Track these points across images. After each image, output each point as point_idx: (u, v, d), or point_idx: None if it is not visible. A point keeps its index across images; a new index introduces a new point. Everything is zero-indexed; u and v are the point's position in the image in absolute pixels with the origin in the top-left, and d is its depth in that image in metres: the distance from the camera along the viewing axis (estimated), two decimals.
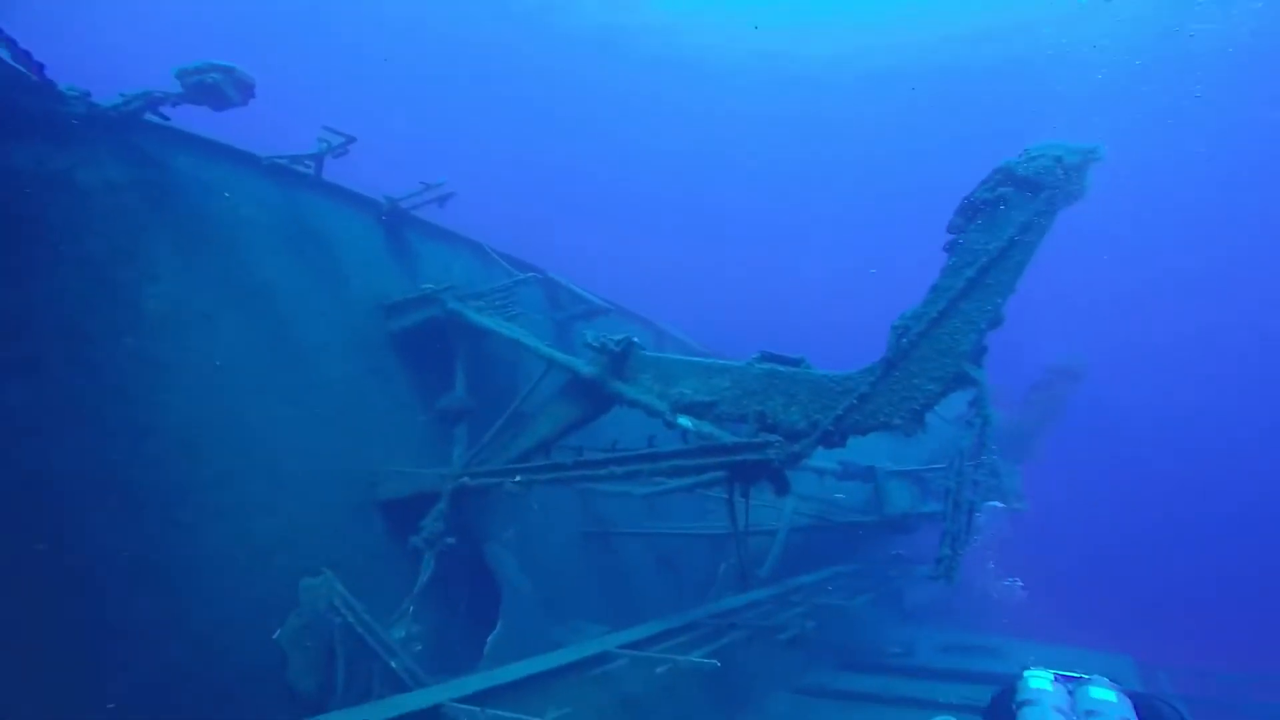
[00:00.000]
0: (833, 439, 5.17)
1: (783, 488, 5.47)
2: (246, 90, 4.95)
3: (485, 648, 5.51)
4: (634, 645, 5.50)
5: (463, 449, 6.29)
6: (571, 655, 4.98)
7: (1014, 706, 3.76)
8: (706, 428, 5.41)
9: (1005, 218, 4.77)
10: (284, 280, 5.84)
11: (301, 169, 6.20)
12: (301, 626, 4.76)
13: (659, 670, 5.13)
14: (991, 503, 10.49)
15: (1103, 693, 3.68)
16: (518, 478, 5.45)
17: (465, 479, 5.69)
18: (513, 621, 5.64)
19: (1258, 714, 9.08)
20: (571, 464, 5.37)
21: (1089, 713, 3.58)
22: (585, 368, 5.59)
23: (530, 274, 7.50)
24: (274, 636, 4.66)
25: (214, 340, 5.10)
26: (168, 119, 5.04)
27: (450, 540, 5.62)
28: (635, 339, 5.65)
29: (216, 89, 4.78)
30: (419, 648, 5.10)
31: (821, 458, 8.57)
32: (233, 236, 5.53)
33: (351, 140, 6.04)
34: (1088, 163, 4.81)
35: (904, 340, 4.88)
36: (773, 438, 5.24)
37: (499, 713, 3.67)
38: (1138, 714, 3.59)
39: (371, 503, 5.91)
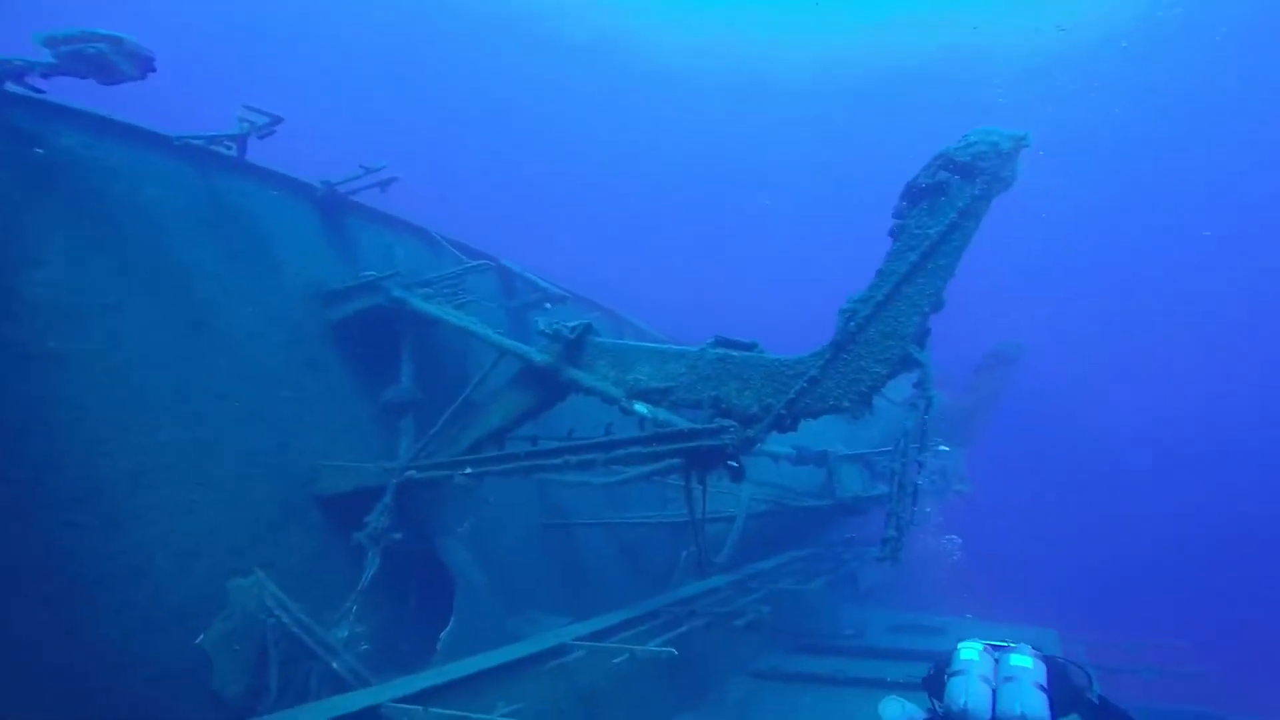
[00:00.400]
0: (785, 423, 5.09)
1: (738, 474, 5.34)
2: (142, 63, 4.47)
3: (438, 644, 5.20)
4: (592, 636, 5.29)
5: (409, 441, 5.95)
6: (526, 649, 4.72)
7: (946, 677, 3.89)
8: (663, 414, 5.24)
9: (946, 203, 4.77)
10: (204, 267, 5.40)
11: (222, 150, 5.74)
12: (229, 630, 4.39)
13: (617, 661, 4.91)
14: (941, 447, 10.57)
15: (1021, 659, 3.85)
16: (468, 470, 5.16)
17: (412, 472, 5.37)
18: (467, 617, 5.34)
19: (1151, 673, 9.43)
20: (525, 454, 5.11)
21: (1007, 678, 3.75)
22: (539, 355, 5.33)
23: (481, 261, 7.17)
24: (197, 641, 4.28)
25: (120, 330, 4.66)
26: (41, 91, 4.53)
27: (397, 536, 5.29)
28: (591, 325, 5.42)
29: (102, 60, 4.29)
30: (365, 647, 4.77)
31: (776, 443, 8.49)
32: (140, 221, 5.07)
33: (277, 120, 5.62)
34: (1018, 149, 4.82)
35: (851, 324, 4.85)
36: (728, 423, 5.13)
37: (443, 711, 3.41)
38: (1049, 676, 3.81)
39: (310, 499, 5.53)
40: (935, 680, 3.98)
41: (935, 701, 3.92)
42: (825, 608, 9.39)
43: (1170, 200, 40.44)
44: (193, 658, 4.31)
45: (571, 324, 5.27)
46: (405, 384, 6.14)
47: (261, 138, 5.67)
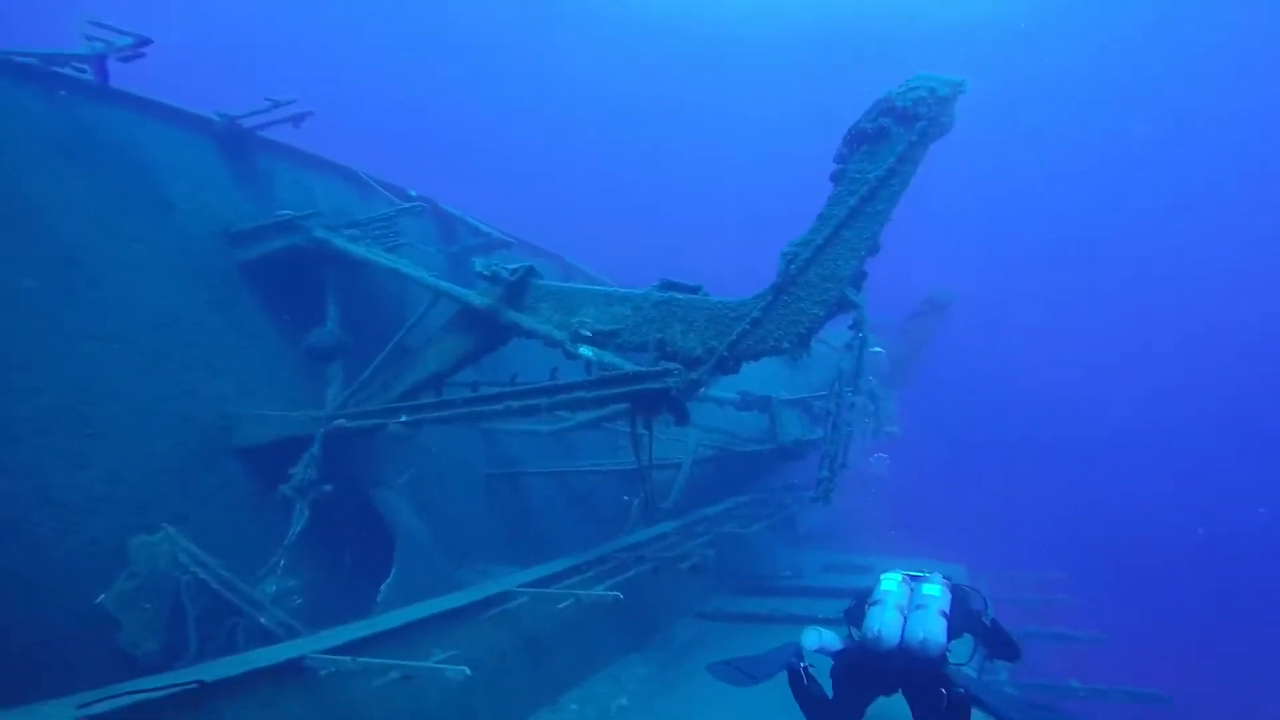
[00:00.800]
0: (728, 365, 4.99)
1: (683, 417, 5.19)
2: None
3: (378, 598, 4.92)
4: (538, 583, 5.11)
5: (338, 388, 5.53)
6: (466, 597, 4.51)
7: (866, 607, 4.14)
8: (608, 357, 5.01)
9: (885, 148, 4.77)
10: (67, 201, 4.80)
11: (71, 73, 5.04)
12: (136, 588, 4.00)
13: (561, 606, 4.75)
14: (871, 380, 10.72)
15: (931, 588, 4.12)
16: (403, 417, 4.81)
17: (341, 421, 4.99)
18: (409, 569, 5.06)
19: (1032, 601, 9.98)
20: (464, 401, 4.79)
21: (918, 606, 4.01)
22: (478, 298, 4.99)
23: (415, 203, 6.66)
24: (98, 600, 3.89)
25: None
26: None
27: (327, 488, 4.92)
28: (534, 267, 5.09)
29: None
30: (299, 601, 4.45)
31: (722, 388, 8.39)
32: None
33: (145, 42, 4.95)
34: (956, 94, 4.83)
35: (792, 267, 4.82)
36: (673, 366, 4.97)
37: (373, 660, 3.17)
38: (953, 603, 4.13)
39: (227, 450, 5.08)
40: (857, 610, 4.23)
41: (854, 629, 4.17)
42: (766, 551, 9.49)
43: (1102, 151, 41.73)
44: (86, 620, 3.89)
45: (512, 265, 4.93)
46: (330, 328, 5.68)
47: (125, 60, 4.97)
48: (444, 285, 5.17)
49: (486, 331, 5.04)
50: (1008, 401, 37.08)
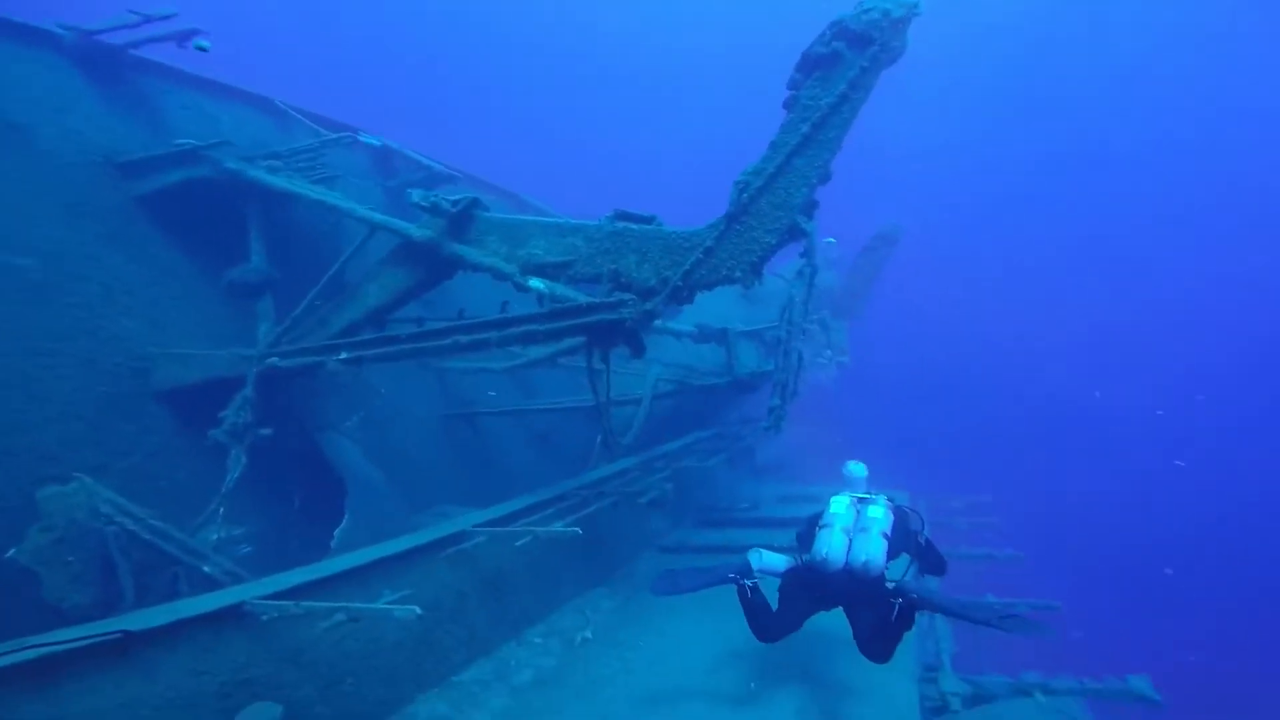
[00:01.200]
0: (682, 295, 4.83)
1: (639, 349, 5.02)
2: None
3: (332, 543, 4.69)
4: (495, 522, 4.95)
5: (270, 326, 5.16)
6: (419, 539, 4.35)
7: (816, 529, 4.26)
8: (560, 289, 4.77)
9: (837, 73, 4.62)
10: None
11: None
12: (55, 540, 3.69)
13: (519, 544, 4.61)
14: (823, 311, 10.76)
15: (875, 511, 4.28)
16: (343, 354, 4.48)
17: (275, 359, 4.62)
18: (362, 513, 4.83)
19: (963, 523, 10.42)
20: (408, 336, 4.48)
21: (861, 529, 4.17)
22: (418, 231, 4.63)
23: (344, 134, 6.11)
24: (8, 555, 3.57)
25: None
26: None
27: (265, 432, 4.60)
28: (478, 199, 4.73)
29: None
30: (248, 549, 4.21)
31: (680, 321, 8.23)
32: None
33: None
34: (911, 17, 4.67)
35: (744, 195, 4.68)
36: (627, 296, 4.76)
37: (318, 603, 2.98)
38: (894, 524, 4.28)
39: (145, 394, 4.68)
40: (807, 533, 4.36)
41: (804, 551, 4.29)
42: (725, 483, 9.55)
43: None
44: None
45: (454, 197, 4.56)
46: (256, 262, 5.22)
47: None
48: (380, 218, 4.77)
49: (429, 265, 4.70)
50: (951, 338, 38.12)
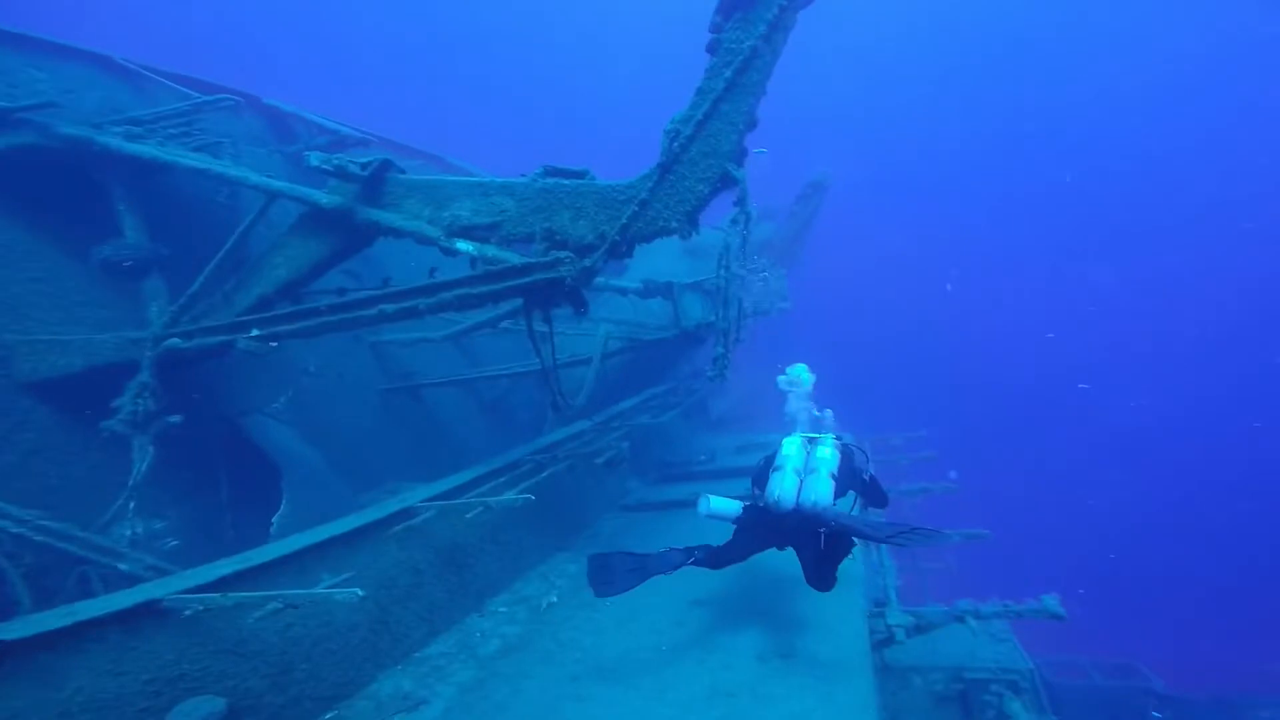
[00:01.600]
0: (621, 249, 4.68)
1: (581, 306, 4.86)
2: None
3: (272, 530, 4.47)
4: (446, 495, 4.79)
5: (162, 306, 4.76)
6: (360, 519, 4.16)
7: (770, 471, 4.36)
8: (491, 251, 4.54)
9: (756, 14, 4.45)
10: None
11: None
12: None
13: (470, 515, 4.47)
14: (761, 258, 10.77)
15: (823, 450, 4.41)
16: (254, 331, 4.17)
17: (174, 341, 4.26)
18: (301, 498, 4.59)
19: (902, 460, 10.83)
20: (328, 308, 4.19)
21: (811, 470, 4.30)
22: (326, 197, 4.29)
23: (222, 96, 5.55)
24: None
25: None
26: None
27: (174, 419, 4.27)
28: (391, 161, 4.41)
29: None
30: (174, 543, 3.94)
31: (626, 278, 8.07)
32: None
33: None
34: None
35: (675, 144, 4.52)
36: (564, 254, 4.56)
37: (251, 594, 2.81)
38: (841, 462, 4.41)
39: (11, 387, 4.26)
40: (761, 474, 4.48)
41: (757, 492, 4.41)
42: (681, 438, 9.56)
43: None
44: None
45: (363, 159, 4.24)
46: (132, 239, 4.76)
47: None
48: (279, 185, 4.38)
49: (343, 234, 4.38)
50: (885, 281, 39.04)
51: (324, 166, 4.12)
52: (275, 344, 4.18)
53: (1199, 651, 15.85)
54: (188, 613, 2.84)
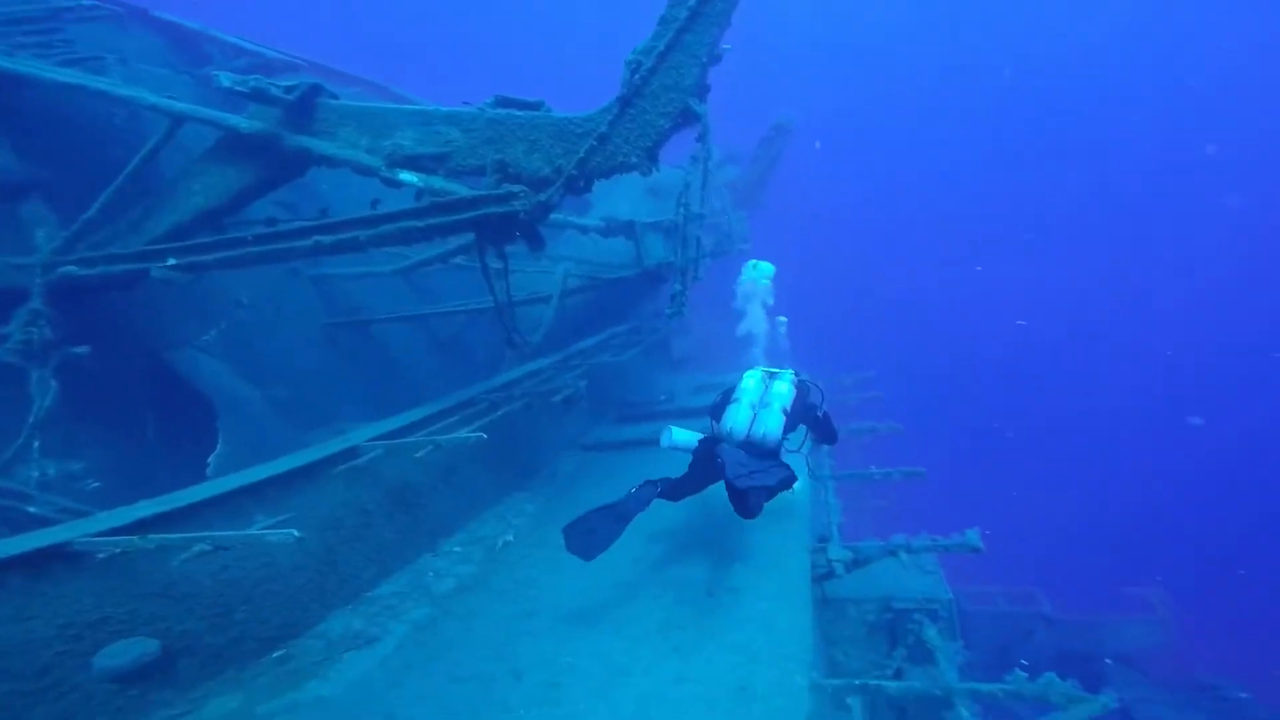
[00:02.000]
0: (578, 185, 4.45)
1: (536, 243, 4.64)
2: None
3: (208, 470, 4.26)
4: (395, 433, 4.65)
5: (50, 231, 4.36)
6: (299, 459, 4.00)
7: (728, 404, 4.51)
8: (438, 183, 4.25)
9: None
10: None
11: None
12: None
13: (418, 455, 4.35)
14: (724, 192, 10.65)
15: (780, 385, 4.57)
16: (171, 260, 3.83)
17: (71, 268, 3.89)
18: (238, 435, 4.37)
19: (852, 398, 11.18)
20: (255, 237, 3.88)
21: (765, 404, 4.46)
22: (247, 123, 3.88)
23: (90, 3, 4.83)
24: None
25: None
26: None
27: (80, 350, 3.95)
28: (320, 85, 4.02)
29: None
30: (95, 484, 3.70)
31: (589, 217, 7.80)
32: None
33: None
34: None
35: (636, 76, 4.29)
36: (517, 188, 4.30)
37: (168, 537, 2.66)
38: (796, 397, 4.58)
39: None
40: (720, 407, 4.61)
41: (715, 424, 4.54)
42: (641, 377, 9.50)
43: None
44: None
45: (286, 82, 3.84)
46: (5, 160, 4.25)
47: None
48: (184, 107, 3.88)
49: (269, 161, 4.00)
50: (851, 223, 39.19)
51: (238, 89, 3.70)
52: (194, 275, 3.85)
53: (1084, 580, 17.46)
54: (102, 556, 2.68)
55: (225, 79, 3.72)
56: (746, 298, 8.06)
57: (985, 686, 3.63)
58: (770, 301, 7.64)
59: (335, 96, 4.11)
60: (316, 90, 3.95)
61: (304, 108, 3.91)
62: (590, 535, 3.95)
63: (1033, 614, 12.50)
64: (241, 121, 3.87)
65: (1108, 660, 12.16)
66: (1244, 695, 11.39)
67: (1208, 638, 14.49)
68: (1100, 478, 27.93)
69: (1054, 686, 3.46)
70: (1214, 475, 26.93)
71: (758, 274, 6.71)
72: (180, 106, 3.82)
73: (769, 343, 7.87)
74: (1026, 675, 3.57)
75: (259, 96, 3.76)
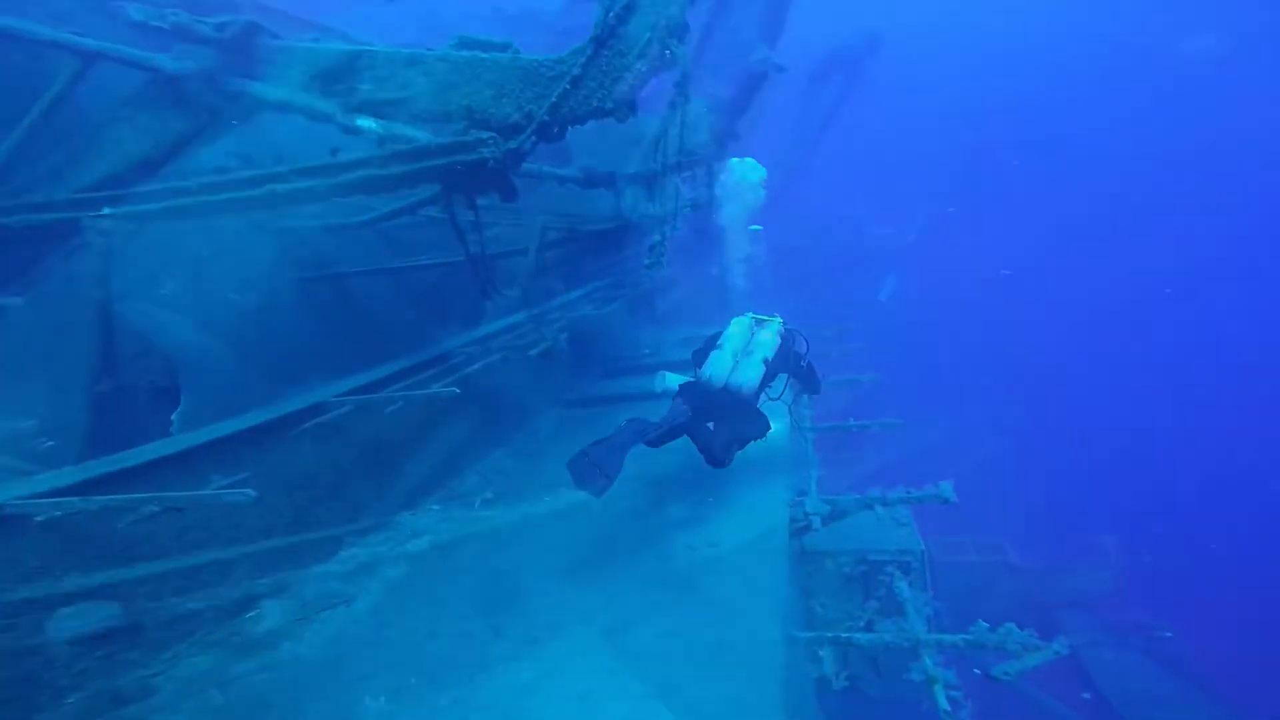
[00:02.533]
0: (550, 131, 4.17)
1: (509, 193, 4.40)
2: None
3: (172, 428, 4.12)
4: (365, 389, 4.52)
5: None
6: (263, 415, 3.88)
7: (711, 349, 4.51)
8: (400, 128, 3.98)
9: None
10: None
11: None
12: None
13: (389, 410, 4.23)
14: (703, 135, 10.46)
15: (765, 333, 4.56)
16: (105, 210, 3.56)
17: None
18: (202, 391, 4.21)
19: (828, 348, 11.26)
20: (200, 187, 3.62)
21: (748, 352, 4.45)
22: (173, 63, 3.55)
23: None
24: None
25: None
26: None
27: (13, 300, 3.71)
28: (257, 23, 3.69)
29: None
30: (49, 443, 3.55)
31: (568, 168, 7.49)
32: None
33: None
34: None
35: (610, 15, 3.92)
36: (486, 135, 4.05)
37: (114, 498, 2.54)
38: (781, 345, 4.57)
39: None
40: (704, 352, 4.63)
41: (696, 369, 4.59)
42: (625, 331, 9.37)
43: None
44: None
45: (217, 19, 3.51)
46: None
47: None
48: (95, 44, 3.43)
49: (202, 106, 3.67)
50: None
51: (160, 24, 3.35)
52: (135, 225, 3.60)
53: (1051, 530, 18.08)
54: (40, 518, 2.56)
55: (136, 12, 3.36)
56: (728, 199, 7.71)
57: (949, 637, 3.70)
58: (757, 206, 7.32)
59: (276, 36, 3.80)
60: (255, 29, 3.62)
61: (242, 48, 3.58)
62: (595, 468, 3.86)
63: (999, 563, 13.15)
64: (168, 61, 3.52)
65: (1061, 609, 12.91)
66: (1169, 634, 12.46)
67: (1153, 581, 15.24)
68: (1079, 432, 28.38)
69: (1012, 636, 3.59)
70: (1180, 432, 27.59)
71: (746, 171, 6.31)
72: (88, 43, 3.43)
73: (742, 257, 7.57)
74: (988, 625, 3.66)
75: (183, 34, 3.42)
